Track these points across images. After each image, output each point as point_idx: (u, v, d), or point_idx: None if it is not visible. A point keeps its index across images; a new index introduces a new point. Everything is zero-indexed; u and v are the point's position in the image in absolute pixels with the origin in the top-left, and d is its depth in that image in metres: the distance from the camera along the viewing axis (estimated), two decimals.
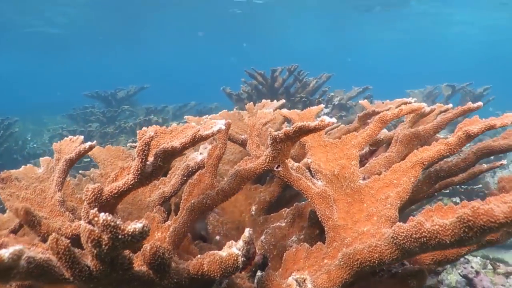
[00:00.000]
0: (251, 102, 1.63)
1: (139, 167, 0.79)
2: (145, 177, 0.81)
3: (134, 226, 0.58)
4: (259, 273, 1.31)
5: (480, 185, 3.36)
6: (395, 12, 16.54)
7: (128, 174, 0.82)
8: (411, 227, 0.70)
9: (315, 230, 1.15)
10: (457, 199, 3.35)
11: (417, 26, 20.38)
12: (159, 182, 1.31)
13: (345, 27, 22.23)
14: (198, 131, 0.82)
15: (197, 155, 1.27)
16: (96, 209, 0.57)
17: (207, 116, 1.83)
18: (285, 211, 1.42)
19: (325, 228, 0.97)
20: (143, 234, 0.60)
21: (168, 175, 1.34)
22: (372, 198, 0.98)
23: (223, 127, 0.85)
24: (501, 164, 1.42)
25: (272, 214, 1.48)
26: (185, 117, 2.04)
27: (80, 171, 2.36)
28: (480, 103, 1.15)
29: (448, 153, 0.95)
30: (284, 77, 4.64)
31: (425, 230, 0.68)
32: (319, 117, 1.59)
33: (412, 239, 0.70)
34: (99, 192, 0.79)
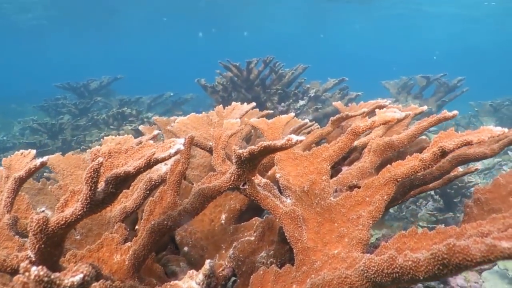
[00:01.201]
0: (221, 105, 1.56)
1: (88, 195, 0.72)
2: (95, 205, 0.74)
3: (72, 279, 0.51)
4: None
5: None
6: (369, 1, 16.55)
7: (77, 202, 0.74)
8: (382, 261, 0.65)
9: (285, 246, 1.09)
10: (431, 192, 3.37)
11: (392, 15, 20.46)
12: (121, 195, 1.24)
13: (320, 16, 22.16)
14: (154, 154, 0.75)
15: (161, 166, 1.20)
16: (27, 261, 0.50)
17: (175, 117, 1.75)
18: (256, 220, 1.36)
19: (294, 250, 0.91)
20: (84, 285, 0.53)
21: (131, 188, 1.26)
22: (343, 217, 0.92)
23: (182, 147, 0.78)
24: (476, 169, 1.40)
25: (242, 224, 1.42)
26: (153, 118, 1.96)
27: (44, 174, 2.26)
28: (455, 112, 1.11)
29: (422, 169, 0.90)
30: (259, 69, 4.55)
31: (397, 265, 0.63)
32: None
33: (384, 274, 0.65)
34: (45, 223, 0.71)
